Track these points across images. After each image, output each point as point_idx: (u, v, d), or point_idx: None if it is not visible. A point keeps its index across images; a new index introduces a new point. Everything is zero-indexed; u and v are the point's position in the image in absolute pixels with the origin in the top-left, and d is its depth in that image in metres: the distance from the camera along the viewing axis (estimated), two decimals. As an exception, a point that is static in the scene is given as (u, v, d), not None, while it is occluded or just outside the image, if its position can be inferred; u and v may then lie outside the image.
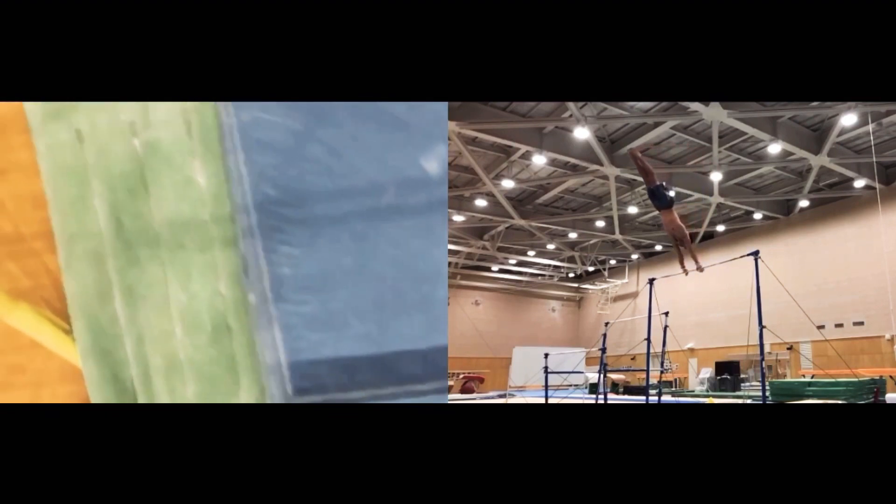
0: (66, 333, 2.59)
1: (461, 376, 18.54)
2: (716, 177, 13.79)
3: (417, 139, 2.37)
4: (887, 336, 14.16)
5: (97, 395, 2.45)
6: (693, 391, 14.41)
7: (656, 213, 13.70)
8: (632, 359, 18.57)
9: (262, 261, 2.38)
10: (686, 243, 6.47)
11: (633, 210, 16.24)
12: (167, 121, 2.58)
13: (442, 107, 2.41)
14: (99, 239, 2.59)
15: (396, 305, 2.32)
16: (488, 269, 22.97)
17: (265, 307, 2.36)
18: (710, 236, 19.09)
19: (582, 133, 11.42)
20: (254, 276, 2.37)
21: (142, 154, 2.60)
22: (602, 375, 10.34)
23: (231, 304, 2.43)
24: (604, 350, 10.02)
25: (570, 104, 10.38)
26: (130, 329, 2.46)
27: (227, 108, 2.45)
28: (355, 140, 2.39)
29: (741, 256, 7.25)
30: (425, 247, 2.37)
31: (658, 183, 6.16)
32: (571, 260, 21.86)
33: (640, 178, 13.40)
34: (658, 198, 6.20)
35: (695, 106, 10.33)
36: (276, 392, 2.34)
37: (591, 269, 23.11)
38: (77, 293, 2.54)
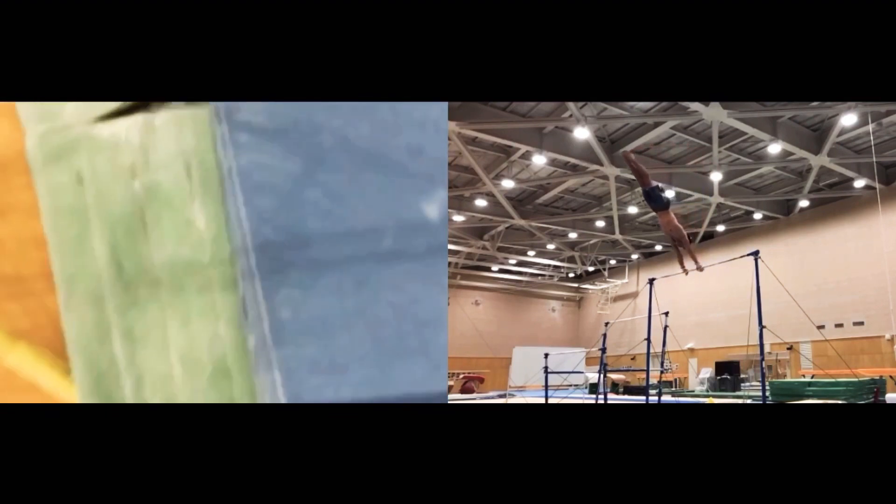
0: (65, 374, 2.59)
1: (461, 376, 18.54)
2: (716, 177, 13.79)
3: (418, 184, 2.37)
4: (887, 336, 14.16)
5: None
6: (693, 391, 14.41)
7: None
8: (632, 359, 18.58)
9: (261, 304, 2.37)
10: (684, 243, 6.47)
11: (633, 210, 16.24)
12: (167, 163, 2.58)
13: (443, 152, 2.39)
14: (98, 280, 2.59)
15: (397, 350, 2.31)
16: (488, 269, 22.98)
17: (265, 350, 2.35)
18: (710, 236, 19.09)
19: (582, 133, 11.42)
20: (253, 319, 2.36)
21: (142, 196, 2.60)
22: (602, 375, 10.34)
23: (231, 347, 2.42)
24: (604, 350, 10.02)
25: (570, 104, 10.38)
26: (130, 370, 2.46)
27: (226, 151, 2.45)
28: (355, 184, 2.38)
29: (741, 256, 7.25)
30: (425, 291, 2.36)
31: (653, 185, 6.15)
32: (571, 260, 21.86)
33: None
34: (654, 200, 6.19)
35: (695, 106, 10.33)
36: None
37: (591, 269, 23.11)
38: (76, 334, 2.54)
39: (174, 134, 2.59)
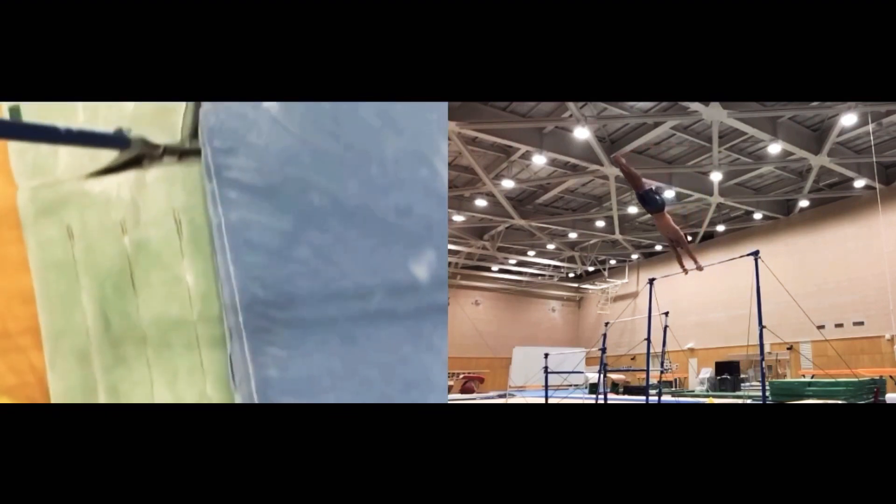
0: None
1: (461, 376, 18.54)
2: (716, 177, 13.79)
3: (407, 244, 2.34)
4: (887, 336, 14.16)
5: None
6: (693, 391, 14.41)
7: (656, 213, 13.68)
8: (632, 359, 18.57)
9: (248, 362, 2.34)
10: (682, 244, 6.46)
11: (633, 210, 16.24)
12: (157, 219, 2.57)
13: (442, 215, 2.35)
14: (85, 336, 2.57)
15: None
16: (488, 269, 22.97)
17: None
18: (710, 236, 19.09)
19: (582, 133, 11.42)
20: (240, 378, 2.34)
21: (131, 252, 2.59)
22: (602, 375, 10.34)
23: None
24: (604, 350, 10.02)
25: (570, 104, 10.38)
26: None
27: (216, 208, 2.43)
28: (344, 243, 2.36)
29: (741, 256, 7.25)
30: (415, 353, 2.33)
31: (646, 188, 6.09)
32: (571, 260, 21.86)
33: (648, 180, 13.40)
34: (649, 202, 6.12)
35: (695, 106, 10.33)
36: None
37: (591, 269, 23.11)
38: (62, 391, 2.54)
39: (165, 190, 2.58)
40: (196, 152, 2.52)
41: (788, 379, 13.26)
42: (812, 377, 11.40)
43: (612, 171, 12.92)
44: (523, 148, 12.24)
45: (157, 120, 2.60)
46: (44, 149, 2.74)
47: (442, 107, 2.39)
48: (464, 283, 22.72)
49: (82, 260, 2.65)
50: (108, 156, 2.62)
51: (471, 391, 17.80)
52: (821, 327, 13.44)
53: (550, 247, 19.74)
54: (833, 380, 9.23)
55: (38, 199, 2.72)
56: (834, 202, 15.80)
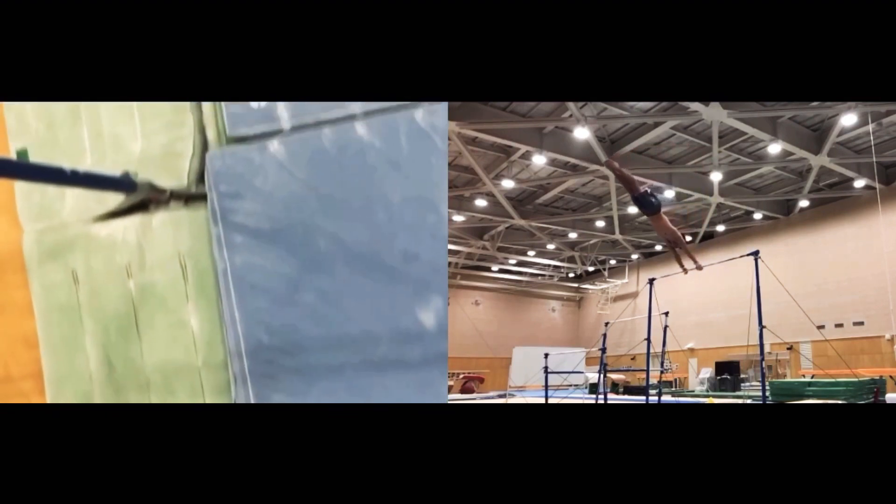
0: None
1: (461, 376, 18.53)
2: (716, 177, 13.78)
3: (413, 290, 2.30)
4: (887, 336, 14.16)
5: None
6: (693, 391, 14.40)
7: (656, 213, 13.67)
8: (632, 359, 18.56)
9: None
10: (680, 244, 6.45)
11: (632, 210, 16.21)
12: (163, 264, 2.55)
13: (440, 257, 2.32)
14: (88, 381, 2.54)
15: None
16: (488, 269, 22.96)
17: None
18: (710, 236, 19.08)
19: (582, 133, 11.42)
20: None
21: (136, 296, 2.57)
22: (602, 375, 10.34)
23: None
24: (604, 350, 10.01)
25: (570, 104, 10.38)
26: None
27: (221, 252, 2.41)
28: (350, 288, 2.32)
29: (741, 256, 7.24)
30: (419, 400, 2.30)
31: (642, 190, 6.06)
32: (571, 260, 21.85)
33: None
34: (645, 205, 6.07)
35: (695, 106, 10.33)
36: None
37: (591, 269, 23.10)
38: None
39: (171, 234, 2.56)
40: (202, 197, 2.51)
41: (788, 379, 13.26)
42: (812, 377, 11.39)
43: (618, 166, 12.91)
44: (523, 148, 12.23)
45: (164, 164, 2.58)
46: (50, 192, 2.72)
47: (442, 151, 2.34)
48: (464, 283, 22.70)
49: (87, 304, 2.62)
50: (114, 199, 2.61)
51: (471, 391, 17.80)
52: (821, 327, 13.43)
53: (550, 247, 19.73)
54: (833, 380, 9.23)
55: (44, 243, 2.70)
56: (834, 202, 15.79)
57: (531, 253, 20.53)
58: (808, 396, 8.37)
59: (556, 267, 22.94)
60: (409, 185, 2.33)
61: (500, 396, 15.17)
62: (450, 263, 20.17)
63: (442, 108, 2.34)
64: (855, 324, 14.98)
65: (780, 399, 8.66)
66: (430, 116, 2.32)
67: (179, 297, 2.53)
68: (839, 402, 7.70)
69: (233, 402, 2.35)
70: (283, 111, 2.43)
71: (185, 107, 2.57)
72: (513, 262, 21.68)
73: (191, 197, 2.56)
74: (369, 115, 2.37)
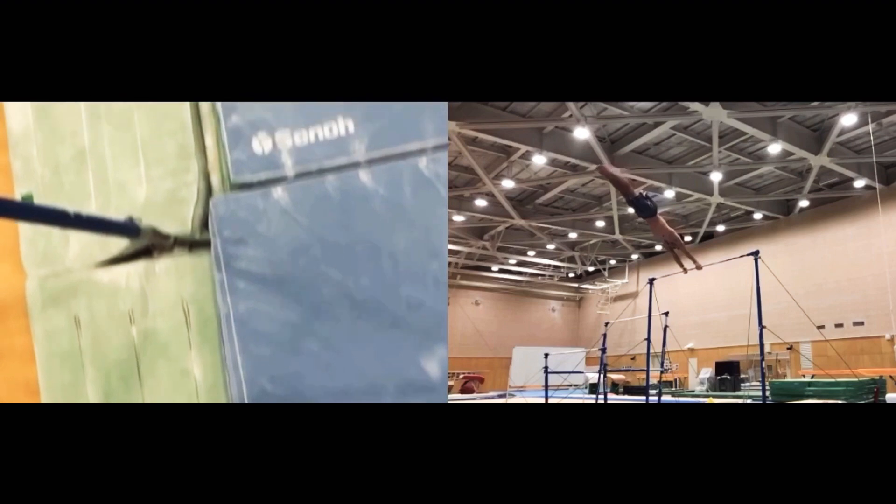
0: None
1: (461, 376, 18.54)
2: (716, 177, 13.79)
3: (419, 339, 2.28)
4: (887, 336, 14.16)
5: None
6: (693, 391, 14.41)
7: (656, 213, 13.66)
8: (632, 359, 18.57)
9: None
10: (679, 245, 6.45)
11: (632, 210, 16.22)
12: (166, 310, 2.55)
13: (445, 307, 2.29)
14: None
15: None
16: (488, 269, 22.97)
17: None
18: (710, 236, 19.09)
19: (582, 133, 11.42)
20: None
21: (138, 343, 2.56)
22: (602, 375, 10.35)
23: None
24: (604, 350, 10.02)
25: (570, 104, 10.38)
26: None
27: (224, 298, 2.40)
28: (355, 336, 2.30)
29: (741, 256, 7.25)
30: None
31: (636, 194, 6.04)
32: (571, 260, 21.86)
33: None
34: (641, 209, 6.04)
35: (695, 106, 10.33)
36: None
37: (591, 269, 23.11)
38: None
39: (174, 281, 2.56)
40: (206, 243, 2.50)
41: (788, 379, 13.26)
42: (812, 377, 11.40)
43: (612, 171, 12.91)
44: (523, 148, 12.24)
45: (168, 210, 2.59)
46: (55, 238, 2.73)
47: (444, 198, 2.33)
48: (464, 283, 22.71)
49: (89, 350, 2.62)
50: (118, 245, 2.61)
51: (471, 391, 17.80)
52: (821, 327, 13.43)
53: (550, 247, 19.73)
54: (833, 380, 9.23)
55: (47, 288, 2.71)
56: (834, 202, 15.80)
57: (531, 253, 20.54)
58: (808, 396, 8.37)
59: (556, 267, 22.95)
60: (414, 233, 2.32)
61: (500, 396, 15.18)
62: (450, 263, 20.18)
63: (443, 156, 2.33)
64: (855, 324, 14.98)
65: (780, 399, 8.66)
66: (434, 164, 2.31)
67: (182, 345, 2.53)
68: (839, 402, 7.70)
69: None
70: (287, 158, 2.43)
71: (191, 153, 2.58)
72: (513, 262, 21.69)
73: (195, 243, 2.57)
74: (373, 163, 2.36)
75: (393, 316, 2.30)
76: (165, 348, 2.54)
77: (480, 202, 15.57)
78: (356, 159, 2.37)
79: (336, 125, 2.39)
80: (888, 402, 8.61)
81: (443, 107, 2.34)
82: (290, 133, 2.42)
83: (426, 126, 2.32)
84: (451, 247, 18.49)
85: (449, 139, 10.45)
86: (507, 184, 14.05)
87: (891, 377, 11.39)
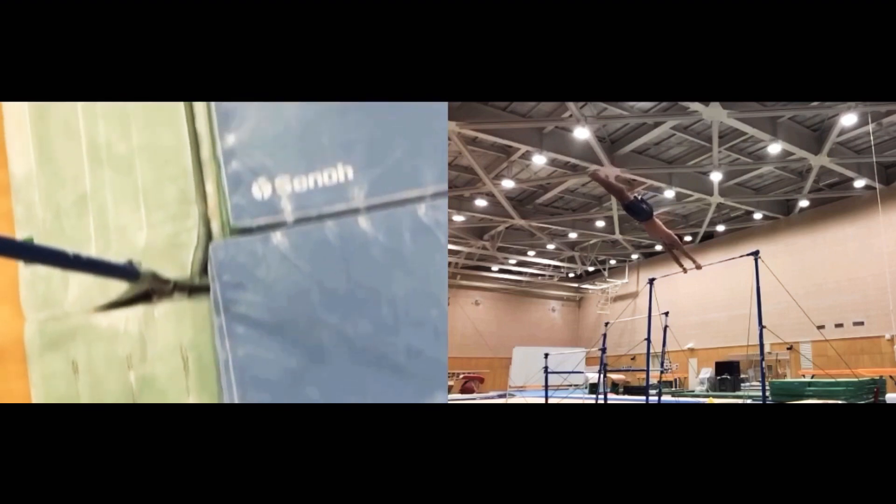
0: None
1: (461, 376, 18.54)
2: (716, 177, 13.79)
3: (419, 387, 2.27)
4: (887, 336, 14.16)
5: None
6: (693, 391, 14.41)
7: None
8: (632, 359, 18.56)
9: None
10: (677, 246, 6.45)
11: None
12: (164, 355, 2.54)
13: (443, 356, 2.29)
14: None
15: None
16: (488, 269, 22.96)
17: None
18: (710, 236, 19.08)
19: (582, 133, 11.42)
20: None
21: (136, 388, 2.56)
22: (602, 375, 10.35)
23: None
24: (604, 350, 10.02)
25: (570, 104, 10.38)
26: None
27: (223, 343, 2.40)
28: (353, 384, 2.30)
29: (741, 256, 7.25)
30: None
31: (631, 198, 6.02)
32: (571, 260, 21.86)
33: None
34: (636, 212, 6.00)
35: (695, 106, 10.33)
36: None
37: (591, 269, 23.10)
38: None
39: (173, 326, 2.56)
40: (205, 289, 2.50)
41: (788, 379, 13.26)
42: (812, 377, 11.40)
43: (612, 171, 12.91)
44: (523, 148, 12.24)
45: (168, 255, 2.59)
46: (54, 281, 2.73)
47: (444, 245, 2.33)
48: (464, 283, 22.71)
49: (86, 395, 2.62)
50: (117, 289, 2.61)
51: (471, 391, 17.80)
52: (821, 327, 13.43)
53: (550, 247, 19.73)
54: (833, 380, 9.23)
55: (46, 332, 2.70)
56: (834, 202, 15.79)
57: (531, 253, 20.53)
58: (808, 396, 8.37)
59: (556, 267, 22.95)
60: (413, 280, 2.31)
61: (500, 396, 15.18)
62: (450, 263, 20.18)
63: (443, 203, 2.33)
64: (855, 324, 14.98)
65: (780, 399, 8.66)
66: (433, 212, 2.31)
67: (180, 390, 2.53)
68: (839, 402, 7.70)
69: None
70: (287, 203, 2.43)
71: (191, 198, 2.58)
72: (513, 262, 21.69)
73: (194, 288, 2.57)
74: (372, 210, 2.36)
75: (392, 363, 2.29)
76: (163, 394, 2.54)
77: (480, 202, 15.57)
78: (355, 206, 2.37)
79: (335, 171, 2.39)
80: (888, 402, 8.61)
81: (442, 154, 2.34)
82: (289, 179, 2.42)
83: (425, 173, 2.32)
84: (451, 247, 18.49)
85: (449, 139, 10.44)
86: (507, 184, 14.05)
87: (891, 377, 11.39)
